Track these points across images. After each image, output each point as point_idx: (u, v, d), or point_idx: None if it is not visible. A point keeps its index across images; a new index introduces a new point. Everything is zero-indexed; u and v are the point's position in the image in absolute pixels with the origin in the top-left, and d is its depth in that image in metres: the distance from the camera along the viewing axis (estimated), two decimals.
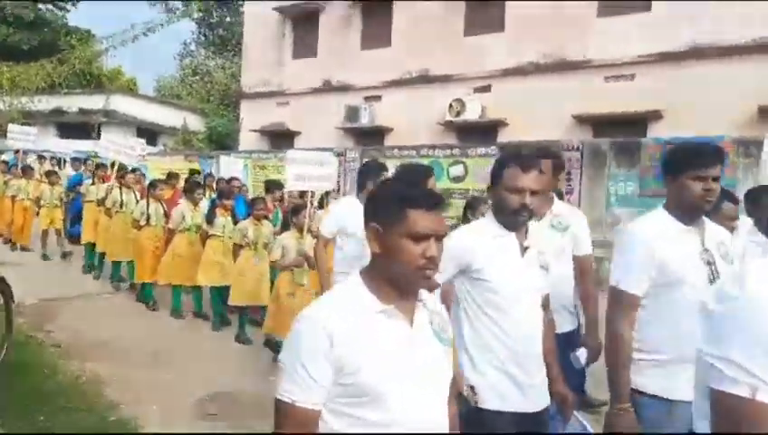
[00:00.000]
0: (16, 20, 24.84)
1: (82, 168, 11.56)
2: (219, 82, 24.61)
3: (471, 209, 4.97)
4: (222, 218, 6.26)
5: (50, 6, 27.09)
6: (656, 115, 11.14)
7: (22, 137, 11.44)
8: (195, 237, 6.50)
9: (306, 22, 16.62)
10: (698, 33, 10.82)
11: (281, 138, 17.03)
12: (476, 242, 2.13)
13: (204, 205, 6.85)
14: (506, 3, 13.09)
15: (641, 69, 11.45)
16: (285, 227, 5.64)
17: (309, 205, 5.31)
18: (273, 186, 7.61)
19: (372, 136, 14.93)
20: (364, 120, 14.98)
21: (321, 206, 6.99)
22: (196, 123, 22.62)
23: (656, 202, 8.60)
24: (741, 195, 8.09)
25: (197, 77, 26.01)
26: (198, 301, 6.58)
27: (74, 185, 10.07)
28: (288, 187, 5.72)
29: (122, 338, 5.46)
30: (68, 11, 27.90)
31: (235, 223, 6.21)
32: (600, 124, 11.88)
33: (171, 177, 8.50)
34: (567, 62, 12.32)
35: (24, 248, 9.77)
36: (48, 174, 10.08)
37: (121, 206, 7.67)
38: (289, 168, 5.30)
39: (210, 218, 6.30)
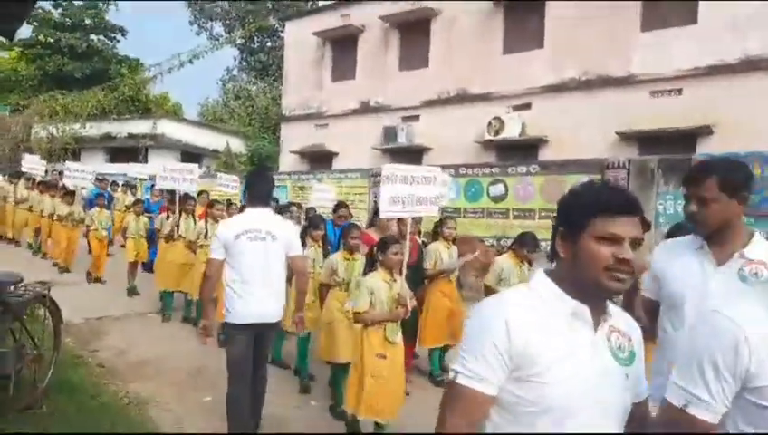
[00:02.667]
0: (70, 50, 26.20)
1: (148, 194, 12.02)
2: (260, 106, 25.22)
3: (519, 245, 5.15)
4: (312, 250, 5.27)
5: (101, 37, 28.44)
6: (706, 131, 10.71)
7: (37, 167, 12.16)
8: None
9: (345, 45, 16.87)
10: (749, 43, 10.41)
11: (319, 159, 17.21)
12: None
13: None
14: (546, 20, 12.95)
15: (689, 83, 11.07)
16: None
17: (405, 236, 4.31)
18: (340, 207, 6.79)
19: (410, 156, 14.90)
20: (402, 140, 15.00)
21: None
22: (238, 146, 23.16)
23: None
24: None
25: (240, 101, 26.73)
26: (278, 352, 5.55)
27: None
28: (382, 213, 4.38)
29: (165, 358, 5.50)
30: (118, 41, 29.31)
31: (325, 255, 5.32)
32: (647, 141, 11.51)
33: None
34: (610, 77, 12.04)
35: (98, 280, 9.28)
36: (135, 204, 9.53)
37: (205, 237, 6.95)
38: (384, 187, 4.15)
39: None
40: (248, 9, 27.93)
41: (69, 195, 10.62)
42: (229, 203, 8.21)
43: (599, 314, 1.38)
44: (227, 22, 29.39)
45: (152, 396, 4.48)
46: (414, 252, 5.36)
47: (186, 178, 7.92)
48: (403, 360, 3.95)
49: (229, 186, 10.58)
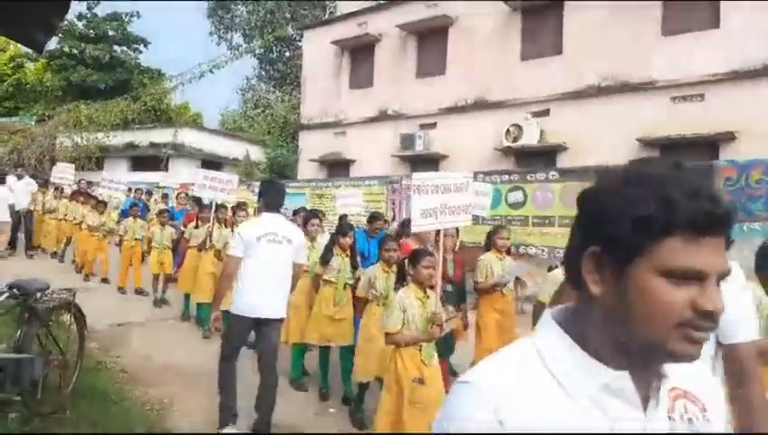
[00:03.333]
0: (94, 61, 26.76)
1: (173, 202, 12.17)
2: (279, 115, 25.45)
3: None
4: (338, 259, 5.08)
5: (124, 48, 29.02)
6: (728, 137, 10.53)
7: (67, 175, 12.51)
8: (307, 284, 5.26)
9: (362, 53, 16.98)
10: None
11: (338, 167, 17.30)
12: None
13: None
14: (564, 26, 12.89)
15: (711, 88, 10.91)
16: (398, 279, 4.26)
17: (439, 250, 4.01)
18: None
19: (427, 163, 14.91)
20: (419, 148, 15.01)
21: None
22: (257, 154, 23.40)
23: (733, 230, 8.17)
24: None
25: (259, 110, 27.02)
26: (297, 364, 5.33)
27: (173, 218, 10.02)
28: (414, 227, 4.06)
29: (186, 364, 5.56)
30: (140, 52, 29.82)
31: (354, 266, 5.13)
32: (668, 147, 11.36)
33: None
34: (630, 83, 11.92)
35: (139, 292, 9.12)
36: (159, 214, 9.37)
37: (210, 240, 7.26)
38: (414, 199, 3.90)
39: (326, 258, 5.04)
40: (267, 19, 28.29)
41: (100, 204, 10.73)
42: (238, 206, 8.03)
43: (646, 378, 0.86)
44: (247, 32, 29.79)
45: (173, 402, 4.53)
46: (458, 268, 5.24)
47: (224, 189, 7.80)
48: (442, 383, 3.61)
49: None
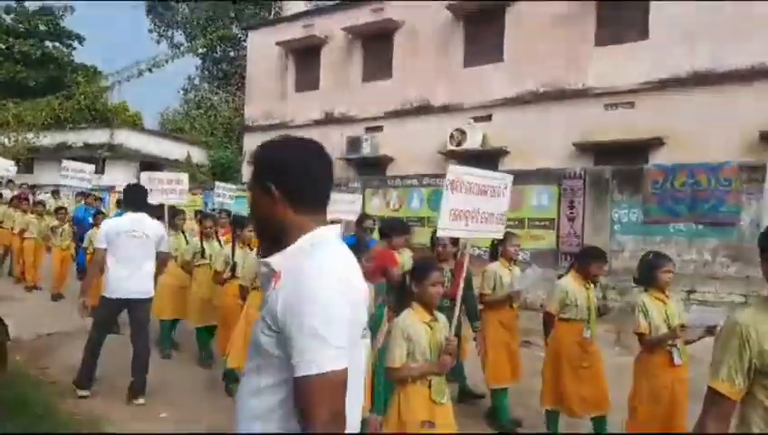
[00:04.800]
0: (24, 57, 25.37)
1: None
2: (223, 116, 24.92)
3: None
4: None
5: (57, 44, 27.64)
6: (657, 142, 11.13)
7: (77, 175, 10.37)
8: None
9: (308, 55, 16.88)
10: (697, 58, 10.90)
11: None
12: None
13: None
14: (505, 34, 13.26)
15: (641, 96, 11.50)
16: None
17: (464, 259, 3.63)
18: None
19: (374, 166, 14.98)
20: (366, 151, 15.06)
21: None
22: (199, 156, 22.80)
23: (660, 230, 8.40)
24: (744, 221, 8.03)
25: (201, 111, 26.34)
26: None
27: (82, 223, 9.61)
28: (441, 230, 3.42)
29: (120, 376, 5.34)
30: (74, 48, 28.49)
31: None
32: (602, 152, 11.88)
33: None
34: (566, 90, 12.41)
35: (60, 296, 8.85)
36: (57, 211, 9.63)
37: (202, 256, 6.29)
38: (446, 197, 3.27)
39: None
40: (210, 17, 27.62)
41: (38, 209, 10.32)
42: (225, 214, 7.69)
43: None
44: (189, 30, 28.98)
45: (106, 414, 4.35)
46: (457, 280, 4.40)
47: (174, 190, 7.13)
48: (454, 423, 3.08)
49: (227, 195, 9.64)
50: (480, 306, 4.84)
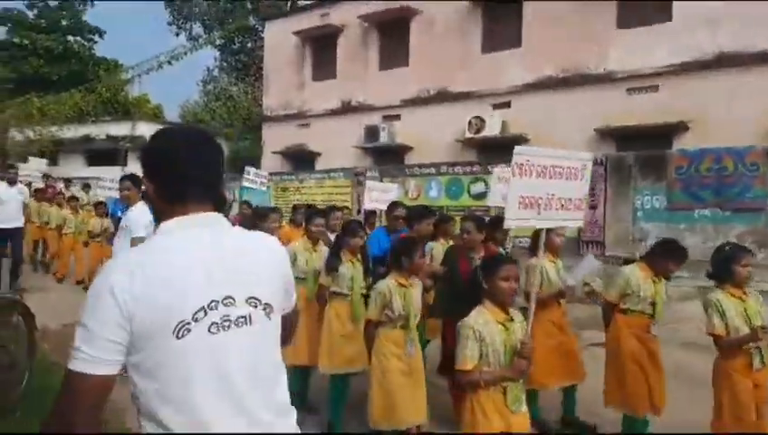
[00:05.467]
0: (47, 52, 25.80)
1: None
2: (242, 107, 25.05)
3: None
4: (348, 266, 4.24)
5: (78, 39, 28.04)
6: (681, 127, 10.89)
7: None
8: (312, 293, 4.52)
9: (325, 44, 16.85)
10: (723, 40, 10.61)
11: (302, 159, 17.18)
12: None
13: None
14: (523, 19, 13.06)
15: (665, 80, 11.24)
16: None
17: (556, 253, 3.40)
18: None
19: (391, 155, 14.94)
20: (383, 140, 15.02)
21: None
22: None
23: (684, 216, 8.18)
24: None
25: (220, 102, 26.51)
26: (304, 395, 4.50)
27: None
28: (509, 221, 2.95)
29: None
30: (95, 42, 28.87)
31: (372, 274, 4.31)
32: (624, 138, 11.67)
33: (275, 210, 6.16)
34: (587, 75, 12.19)
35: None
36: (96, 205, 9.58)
37: None
38: (514, 182, 2.88)
39: (332, 265, 4.24)
40: (227, 9, 27.72)
41: (74, 204, 10.30)
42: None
43: None
44: (207, 22, 29.12)
45: (129, 403, 4.42)
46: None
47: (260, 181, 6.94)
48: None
49: (258, 181, 8.79)
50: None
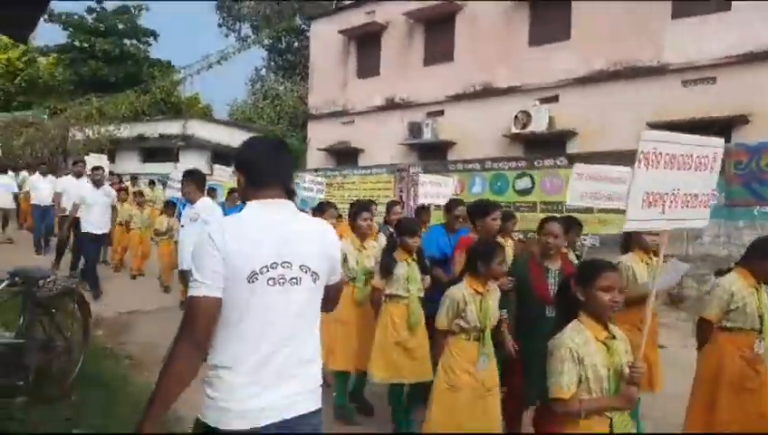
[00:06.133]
0: (104, 55, 26.90)
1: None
2: (288, 105, 25.45)
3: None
4: (404, 267, 3.92)
5: (133, 41, 29.12)
6: (741, 120, 10.35)
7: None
8: (363, 295, 4.25)
9: (369, 42, 16.90)
10: None
11: (346, 156, 17.30)
12: None
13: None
14: (572, 10, 12.70)
15: (723, 71, 10.71)
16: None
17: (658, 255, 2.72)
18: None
19: (435, 151, 14.85)
20: (427, 136, 14.94)
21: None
22: None
23: (743, 213, 7.69)
24: None
25: (268, 101, 27.02)
26: (342, 392, 4.32)
27: None
28: (629, 223, 2.46)
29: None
30: (150, 45, 29.89)
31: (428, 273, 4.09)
32: (680, 131, 11.08)
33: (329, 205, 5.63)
34: (640, 67, 11.75)
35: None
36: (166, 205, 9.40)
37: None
38: (639, 176, 2.34)
39: (387, 267, 3.91)
40: (275, 9, 28.22)
41: (140, 195, 10.54)
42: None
43: None
44: (255, 23, 29.74)
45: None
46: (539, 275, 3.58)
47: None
48: None
49: (314, 189, 8.72)
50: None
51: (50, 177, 11.77)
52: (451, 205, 4.64)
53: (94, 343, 5.06)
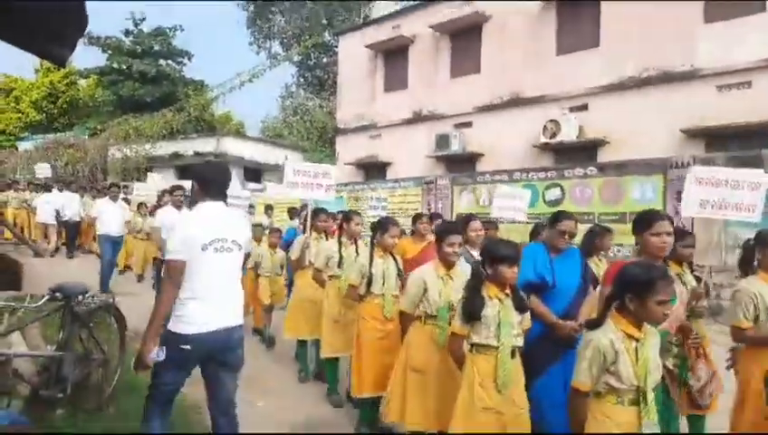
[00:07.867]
0: (141, 76, 27.85)
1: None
2: (318, 120, 25.83)
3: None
4: (496, 306, 3.13)
5: (169, 62, 30.06)
6: None
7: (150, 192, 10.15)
8: (444, 335, 3.45)
9: (396, 56, 17.04)
10: None
11: (374, 169, 17.41)
12: None
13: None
14: (600, 17, 12.57)
15: (759, 75, 10.42)
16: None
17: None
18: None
19: (463, 163, 14.82)
20: (455, 148, 14.93)
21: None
22: (296, 160, 23.76)
23: None
24: None
25: (298, 116, 27.47)
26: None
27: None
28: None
29: None
30: (184, 64, 30.81)
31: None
32: (714, 138, 10.91)
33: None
34: (672, 73, 11.52)
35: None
36: (271, 232, 7.52)
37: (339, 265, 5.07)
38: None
39: (474, 309, 3.09)
40: (304, 27, 28.77)
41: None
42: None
43: None
44: (284, 40, 30.37)
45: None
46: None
47: (321, 184, 6.16)
48: None
49: (378, 208, 9.80)
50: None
51: (120, 202, 10.12)
52: (557, 219, 3.68)
53: (130, 356, 5.19)
